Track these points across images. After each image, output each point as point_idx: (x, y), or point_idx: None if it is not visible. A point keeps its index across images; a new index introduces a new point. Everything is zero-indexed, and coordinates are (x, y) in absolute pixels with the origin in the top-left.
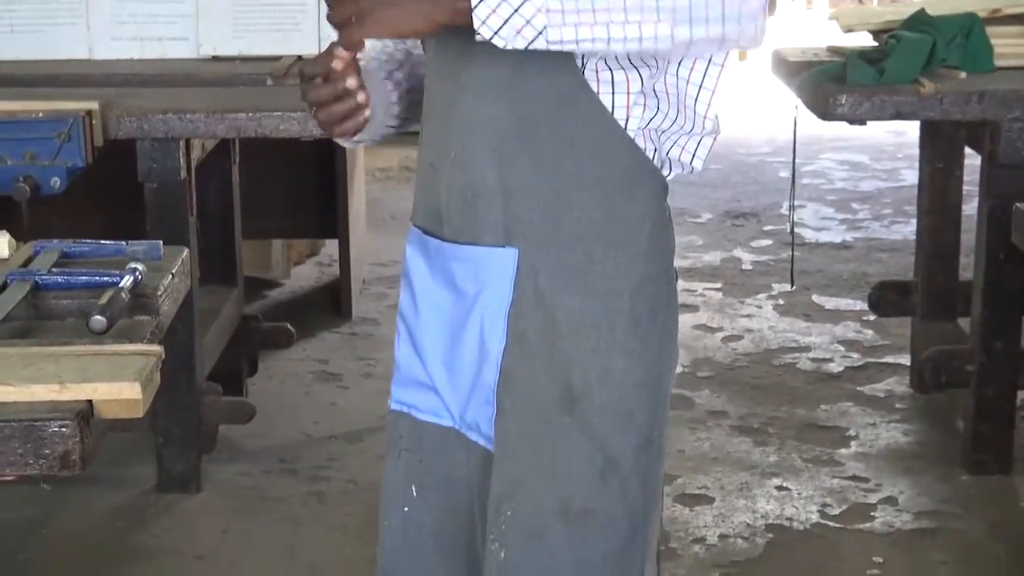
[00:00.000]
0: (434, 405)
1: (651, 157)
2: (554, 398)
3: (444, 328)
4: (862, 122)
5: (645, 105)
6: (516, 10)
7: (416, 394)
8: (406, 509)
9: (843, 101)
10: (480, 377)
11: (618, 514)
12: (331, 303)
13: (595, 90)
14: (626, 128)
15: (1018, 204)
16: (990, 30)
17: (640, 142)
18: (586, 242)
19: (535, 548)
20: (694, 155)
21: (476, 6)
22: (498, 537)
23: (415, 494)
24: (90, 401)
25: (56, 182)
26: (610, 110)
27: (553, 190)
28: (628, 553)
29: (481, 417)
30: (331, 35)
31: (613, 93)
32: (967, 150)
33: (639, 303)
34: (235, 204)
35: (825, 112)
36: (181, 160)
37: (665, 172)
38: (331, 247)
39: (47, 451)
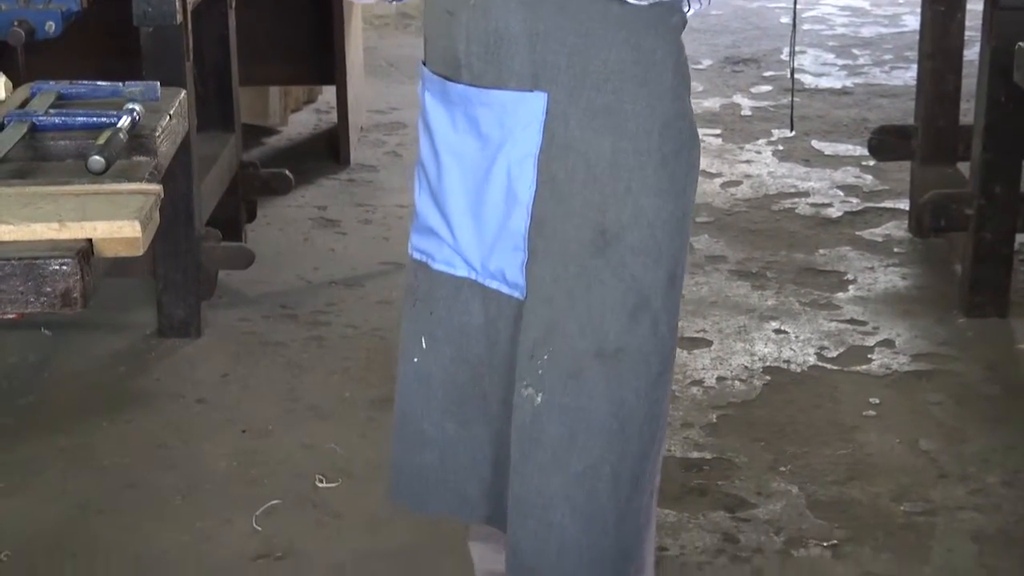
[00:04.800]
0: (448, 256)
1: None
2: (587, 241)
3: (467, 175)
4: None
5: None
6: None
7: (431, 243)
8: (416, 360)
9: None
10: (507, 224)
11: (650, 350)
12: (329, 150)
13: None
14: None
15: (1021, 43)
16: None
17: None
18: (615, 82)
19: (573, 390)
20: None
21: None
22: (533, 382)
23: (424, 345)
24: (90, 240)
25: (51, 26)
26: None
27: (579, 32)
28: (658, 388)
29: (507, 264)
30: None
31: None
32: None
33: (667, 141)
34: (231, 50)
35: None
36: (176, 3)
37: (685, 8)
38: (328, 94)
39: (48, 289)
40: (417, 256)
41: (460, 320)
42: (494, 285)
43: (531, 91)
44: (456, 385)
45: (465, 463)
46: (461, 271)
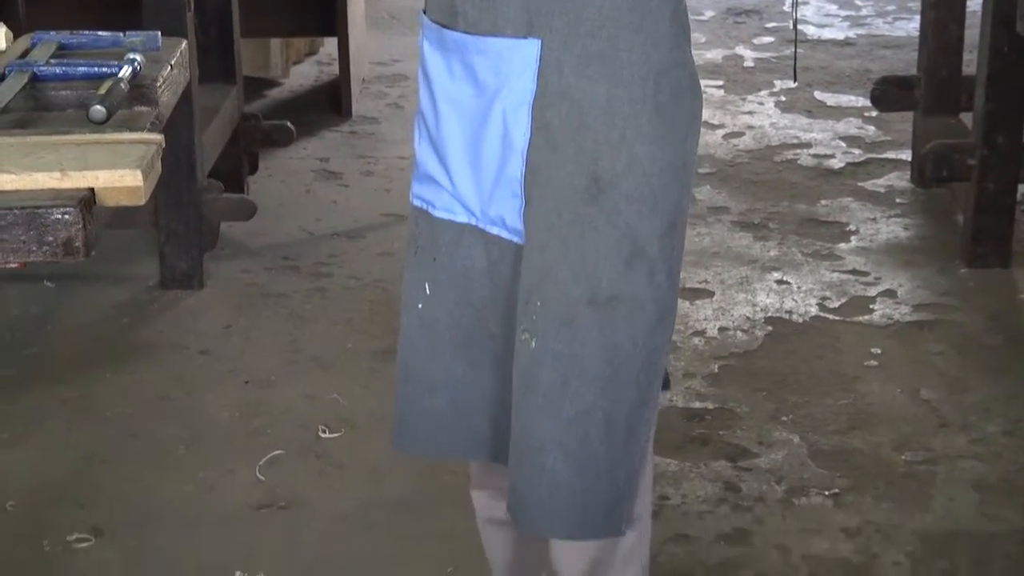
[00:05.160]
0: (448, 203)
1: None
2: (581, 188)
3: (465, 123)
4: None
5: None
6: None
7: (432, 191)
8: (420, 307)
9: None
10: (504, 171)
11: (645, 299)
12: (331, 102)
13: None
14: None
15: None
16: None
17: None
18: (610, 29)
19: (565, 335)
20: None
21: None
22: (528, 327)
23: (428, 292)
24: (92, 189)
25: None
26: None
27: None
28: (655, 337)
29: (507, 211)
30: None
31: None
32: None
33: (663, 89)
34: (232, 0)
35: None
36: None
37: None
38: (330, 46)
39: (50, 238)
40: (418, 204)
41: (463, 265)
42: (495, 231)
43: (525, 38)
44: (462, 328)
45: (475, 403)
46: (462, 217)
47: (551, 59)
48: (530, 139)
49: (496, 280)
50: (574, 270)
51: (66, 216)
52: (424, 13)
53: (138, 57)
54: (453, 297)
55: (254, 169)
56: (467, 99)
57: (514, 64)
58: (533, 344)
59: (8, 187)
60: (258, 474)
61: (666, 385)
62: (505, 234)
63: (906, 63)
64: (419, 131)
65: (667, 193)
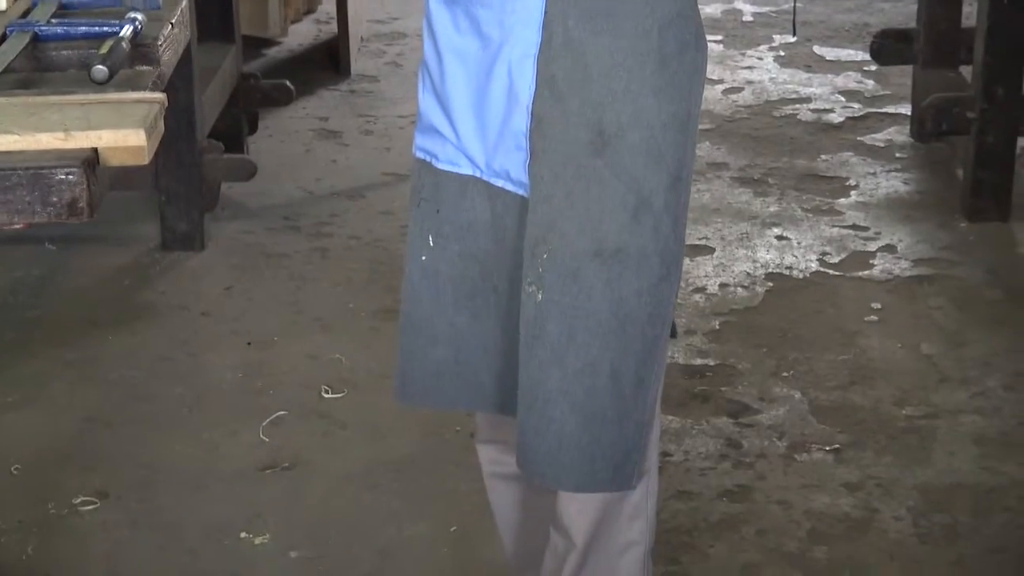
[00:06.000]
0: (452, 155)
1: None
2: (586, 141)
3: (470, 75)
4: None
5: None
6: None
7: (435, 142)
8: (424, 258)
9: None
10: (509, 123)
11: (651, 251)
12: (329, 61)
13: None
14: None
15: None
16: None
17: None
18: None
19: (571, 288)
20: None
21: None
22: (534, 280)
23: (431, 243)
24: (95, 149)
25: None
26: None
27: None
28: (661, 290)
29: (511, 163)
30: None
31: None
32: None
33: (668, 41)
34: None
35: None
36: None
37: None
38: (328, 4)
39: (54, 198)
40: (421, 155)
41: (467, 217)
42: (499, 183)
43: None
44: (465, 279)
45: (478, 354)
46: (466, 169)
47: (556, 11)
48: (535, 92)
49: (500, 233)
50: (579, 222)
51: (70, 176)
52: None
53: (139, 16)
54: (456, 249)
55: (254, 129)
56: (472, 52)
57: (518, 16)
58: (540, 297)
59: (12, 148)
60: (262, 435)
61: (673, 334)
62: (510, 186)
63: (905, 16)
64: (423, 83)
65: (672, 146)
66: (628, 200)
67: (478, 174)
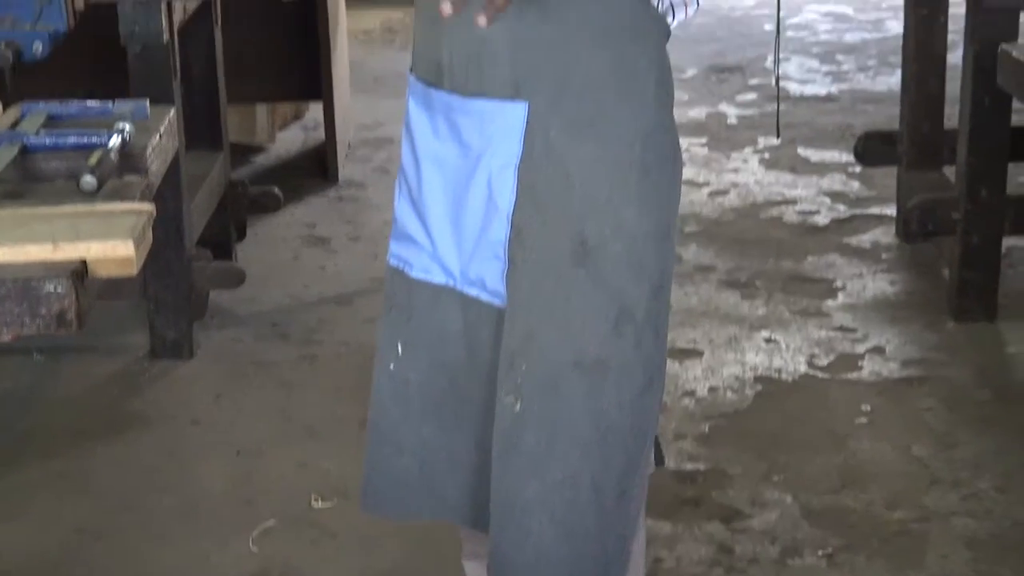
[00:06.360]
0: (426, 264)
1: (655, 4)
2: (567, 251)
3: (448, 183)
4: None
5: None
6: None
7: (410, 250)
8: (392, 367)
9: None
10: (487, 233)
11: (633, 362)
12: (317, 167)
13: None
14: None
15: (1003, 45)
16: None
17: None
18: (596, 92)
19: (551, 399)
20: None
21: None
22: (512, 390)
23: (400, 352)
24: (84, 260)
25: (39, 47)
26: None
27: (562, 40)
28: (644, 401)
29: (487, 273)
30: None
31: None
32: None
33: (649, 152)
34: (218, 67)
35: None
36: (163, 22)
37: (669, 19)
38: (315, 111)
39: (43, 310)
40: (395, 263)
41: (438, 326)
42: (473, 292)
43: (512, 100)
44: (434, 390)
45: (444, 466)
46: (439, 278)
47: (538, 122)
48: (515, 201)
49: (472, 343)
50: (560, 333)
51: (59, 288)
52: (411, 71)
53: (127, 126)
54: (426, 358)
55: (242, 236)
56: (451, 159)
57: (500, 126)
58: (518, 407)
59: (0, 260)
60: (252, 545)
61: (660, 461)
62: (484, 296)
63: (888, 117)
64: (400, 189)
65: (653, 256)
66: (610, 311)
67: (452, 283)
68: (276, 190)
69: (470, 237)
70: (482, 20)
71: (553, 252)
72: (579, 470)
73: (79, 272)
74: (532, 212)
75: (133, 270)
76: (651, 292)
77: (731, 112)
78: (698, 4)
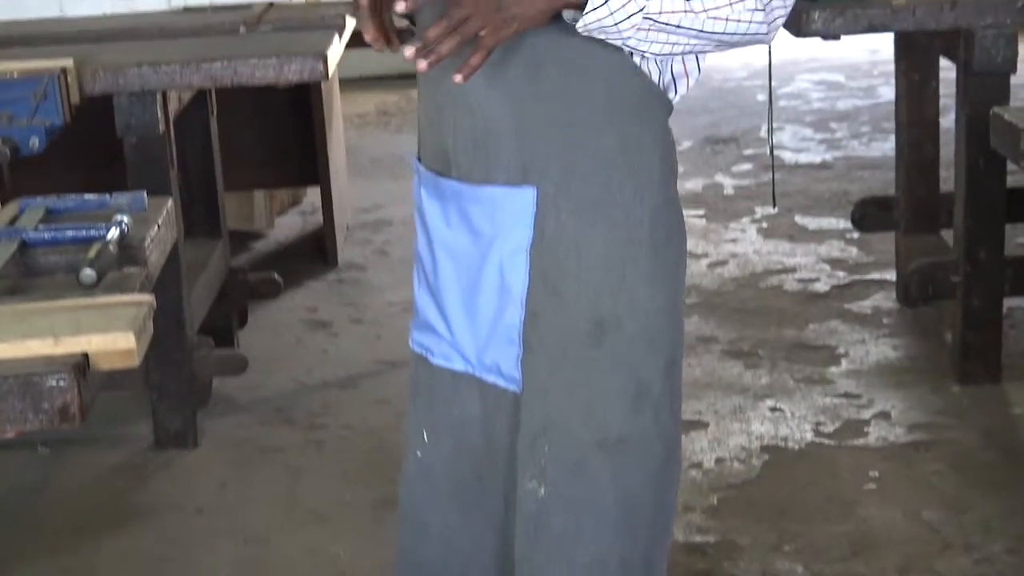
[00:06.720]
0: (446, 351)
1: (656, 81)
2: (583, 332)
3: (461, 271)
4: (836, 37)
5: None
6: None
7: (430, 338)
8: (419, 453)
9: (816, 17)
10: (501, 319)
11: (653, 437)
12: (316, 251)
13: None
14: (631, 55)
15: (995, 108)
16: None
17: (645, 67)
18: (603, 172)
19: (577, 482)
20: (698, 67)
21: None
22: (535, 475)
23: (426, 439)
24: (85, 353)
25: (35, 142)
26: None
27: (566, 123)
28: (665, 474)
29: (503, 358)
30: None
31: None
32: (942, 61)
33: (657, 228)
34: (215, 156)
35: (799, 29)
36: (159, 113)
37: (671, 95)
38: (313, 195)
39: (46, 405)
40: (418, 349)
41: (459, 412)
42: (491, 378)
43: (520, 186)
44: (457, 476)
45: (467, 553)
46: (458, 365)
47: (546, 205)
48: (528, 286)
49: (490, 429)
50: (581, 414)
51: (61, 383)
52: (418, 160)
53: (125, 218)
54: (449, 444)
55: (243, 322)
56: (463, 247)
57: (509, 212)
58: (542, 492)
59: (1, 355)
60: None
61: None
62: (501, 382)
63: (884, 183)
64: (417, 277)
65: (666, 330)
66: (628, 388)
67: (470, 370)
68: (276, 276)
69: (485, 323)
70: (458, 78)
71: (569, 334)
72: (607, 550)
73: (81, 366)
74: (546, 295)
75: (135, 362)
76: (666, 366)
77: (727, 183)
78: (699, 71)
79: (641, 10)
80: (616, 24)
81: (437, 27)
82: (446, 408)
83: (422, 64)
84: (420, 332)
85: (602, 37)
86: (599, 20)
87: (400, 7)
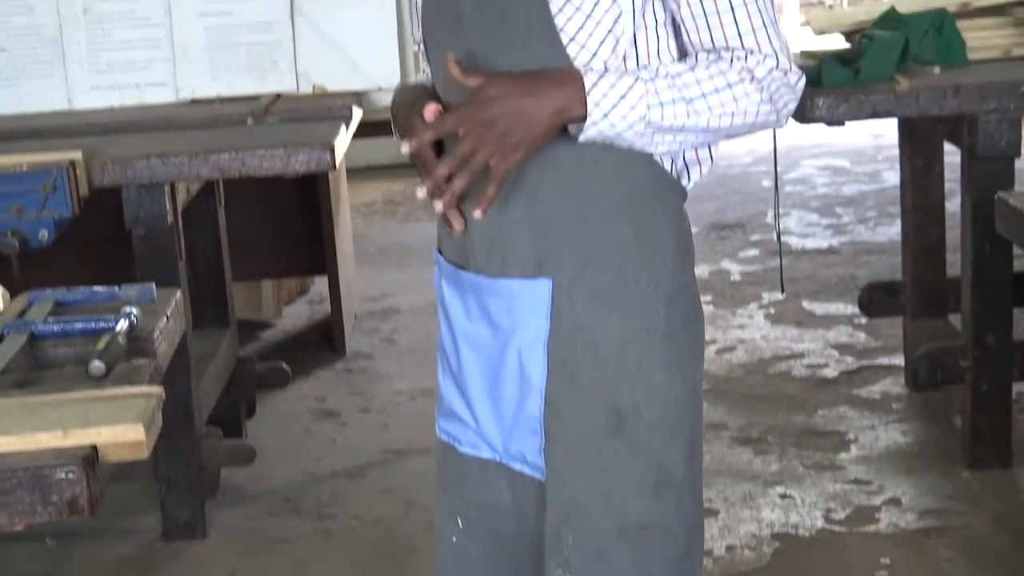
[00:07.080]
0: (472, 439)
1: (669, 170)
2: (602, 421)
3: (483, 362)
4: (840, 123)
5: None
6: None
7: (456, 427)
8: (454, 540)
9: (820, 104)
10: (523, 409)
11: (675, 524)
12: (324, 340)
13: None
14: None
15: (1000, 193)
16: (960, 24)
17: (657, 158)
18: (618, 262)
19: (599, 569)
20: (710, 155)
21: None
22: (561, 563)
23: (460, 526)
24: (94, 446)
25: (44, 234)
26: None
27: (580, 215)
28: (688, 561)
29: (527, 447)
30: (307, 71)
31: None
32: (947, 146)
33: (673, 315)
34: (223, 246)
35: (803, 115)
36: (167, 205)
37: (684, 182)
38: (320, 284)
39: (55, 498)
40: (444, 438)
41: (490, 499)
42: (517, 467)
43: (535, 278)
44: (493, 561)
45: None
46: (486, 453)
47: (562, 297)
48: (547, 377)
49: (521, 515)
50: (602, 502)
51: (70, 475)
52: (439, 252)
53: (134, 310)
54: (483, 531)
55: (251, 412)
56: (484, 339)
57: (527, 304)
58: None
59: (10, 448)
60: None
61: None
62: (527, 470)
63: (891, 267)
64: (441, 366)
65: (685, 418)
66: (648, 476)
67: (497, 457)
68: (284, 365)
69: (508, 413)
70: (477, 213)
71: (588, 424)
72: None
73: (90, 458)
74: (564, 386)
75: (144, 454)
76: (686, 452)
77: (734, 269)
78: (712, 160)
79: (643, 119)
80: (618, 134)
81: (445, 165)
82: (477, 496)
83: (438, 206)
84: (446, 421)
85: (607, 143)
86: (601, 132)
87: (405, 149)
